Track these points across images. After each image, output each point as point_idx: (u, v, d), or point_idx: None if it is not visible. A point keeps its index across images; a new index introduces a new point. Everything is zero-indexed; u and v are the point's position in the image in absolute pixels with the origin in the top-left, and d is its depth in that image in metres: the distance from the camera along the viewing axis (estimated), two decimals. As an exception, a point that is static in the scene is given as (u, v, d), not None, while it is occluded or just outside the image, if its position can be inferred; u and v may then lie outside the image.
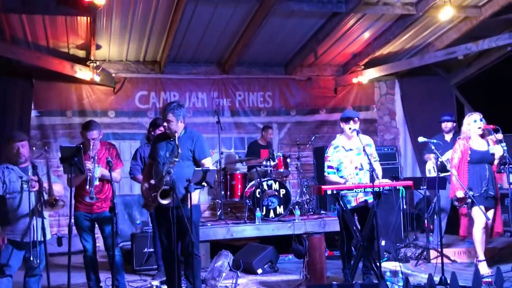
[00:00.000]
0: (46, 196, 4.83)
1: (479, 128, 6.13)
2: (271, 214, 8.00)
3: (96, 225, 5.50)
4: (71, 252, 4.96)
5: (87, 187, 5.19)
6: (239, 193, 8.51)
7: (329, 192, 5.29)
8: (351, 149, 5.69)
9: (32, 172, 4.90)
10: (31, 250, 4.83)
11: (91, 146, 5.35)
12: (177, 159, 4.94)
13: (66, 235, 8.58)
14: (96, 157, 5.29)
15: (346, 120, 5.71)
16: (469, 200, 6.04)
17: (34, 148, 5.13)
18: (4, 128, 8.87)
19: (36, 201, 4.85)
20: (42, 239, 4.81)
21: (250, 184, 8.40)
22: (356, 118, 5.71)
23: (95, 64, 9.20)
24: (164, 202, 4.80)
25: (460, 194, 6.05)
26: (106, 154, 5.41)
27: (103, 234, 5.43)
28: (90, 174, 5.16)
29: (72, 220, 4.93)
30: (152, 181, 5.14)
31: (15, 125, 8.90)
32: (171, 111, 5.10)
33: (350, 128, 5.64)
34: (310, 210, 8.66)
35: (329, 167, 5.76)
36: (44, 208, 4.81)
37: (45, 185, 4.90)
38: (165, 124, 5.11)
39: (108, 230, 5.34)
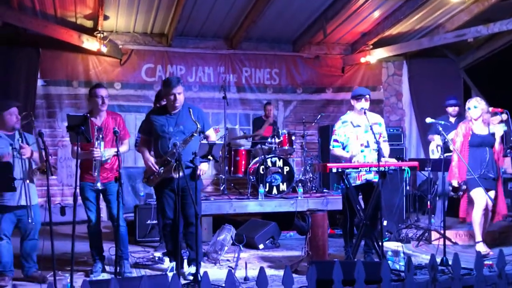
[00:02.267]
0: (34, 165, 5.04)
1: (476, 114, 6.17)
2: (274, 191, 8.03)
3: (101, 196, 5.51)
4: (71, 222, 5.00)
5: (93, 172, 5.18)
6: (242, 169, 8.52)
7: (334, 170, 5.28)
8: (359, 126, 5.66)
9: (21, 139, 5.04)
10: (25, 212, 4.99)
11: (99, 108, 5.30)
12: (195, 134, 5.02)
13: (69, 204, 8.72)
14: (102, 129, 5.26)
15: (358, 97, 5.67)
16: (464, 187, 6.10)
17: (20, 117, 5.14)
18: (9, 96, 8.84)
19: (28, 168, 5.01)
20: (31, 203, 4.99)
21: (254, 160, 8.42)
22: (368, 96, 5.67)
23: (102, 35, 9.14)
24: (177, 175, 4.81)
25: (455, 183, 6.12)
26: (112, 124, 5.38)
27: (109, 204, 5.42)
28: (98, 158, 5.15)
29: (77, 190, 4.94)
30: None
31: (21, 94, 8.90)
32: (180, 82, 5.11)
33: (361, 106, 5.61)
34: (313, 188, 8.68)
35: (335, 140, 5.74)
36: (35, 174, 4.99)
37: (35, 154, 5.09)
38: (176, 95, 5.07)
39: (113, 200, 5.30)
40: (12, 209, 5.01)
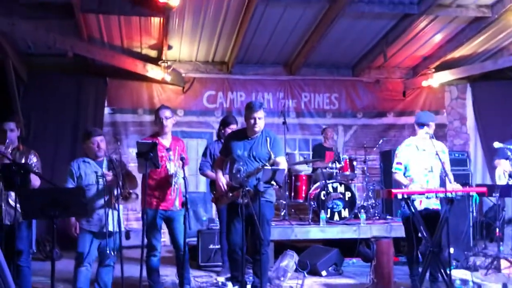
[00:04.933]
0: (120, 190, 4.98)
1: None
2: (336, 217, 7.94)
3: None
4: (138, 246, 5.09)
5: (172, 192, 5.31)
6: (303, 195, 8.47)
7: (399, 196, 5.20)
8: (424, 150, 5.58)
9: (107, 166, 5.09)
10: (106, 241, 4.96)
11: (164, 128, 5.43)
12: (267, 165, 4.99)
13: (133, 229, 8.92)
14: (171, 150, 5.39)
15: (421, 124, 5.59)
16: None
17: (108, 145, 5.27)
18: (79, 124, 9.28)
19: (110, 194, 5.01)
20: (117, 230, 4.98)
21: (315, 185, 8.37)
22: (431, 123, 5.58)
23: (166, 64, 9.45)
24: (241, 201, 4.86)
25: None
26: (178, 148, 5.51)
27: (174, 231, 5.45)
28: (175, 180, 5.26)
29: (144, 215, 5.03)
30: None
31: (89, 122, 9.28)
32: (262, 107, 5.15)
33: (425, 133, 5.52)
34: (376, 214, 8.53)
35: (398, 163, 5.66)
36: (118, 201, 4.98)
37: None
38: (256, 119, 5.08)
39: (178, 226, 5.36)
40: (98, 236, 5.05)
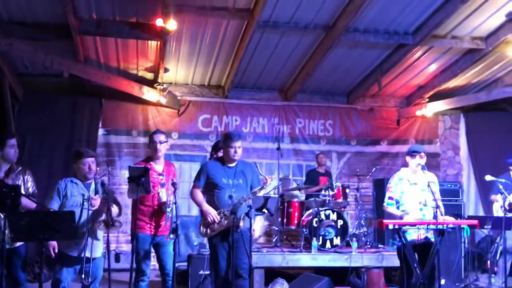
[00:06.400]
0: (104, 216, 4.85)
1: None
2: (328, 244, 7.92)
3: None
4: (127, 269, 5.04)
5: (165, 219, 5.30)
6: (295, 221, 8.46)
7: (390, 226, 5.19)
8: (415, 183, 5.58)
9: (96, 189, 5.01)
10: (83, 267, 4.79)
11: (158, 152, 5.40)
12: (257, 190, 5.14)
13: (124, 251, 8.86)
14: (164, 176, 5.38)
15: (413, 154, 5.61)
16: None
17: (99, 166, 5.21)
18: (73, 144, 9.23)
19: (94, 219, 4.88)
20: (98, 256, 4.93)
21: (308, 212, 8.36)
22: (423, 153, 5.61)
23: (162, 87, 9.47)
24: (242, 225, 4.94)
25: None
26: (170, 173, 5.50)
27: (162, 256, 5.40)
28: (169, 210, 5.24)
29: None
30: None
31: (83, 142, 9.24)
32: (241, 138, 5.33)
33: (416, 163, 5.54)
34: (368, 243, 8.50)
35: (390, 198, 5.67)
36: (99, 227, 4.85)
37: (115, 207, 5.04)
38: (236, 149, 5.21)
39: (168, 252, 5.32)
40: (75, 260, 4.90)
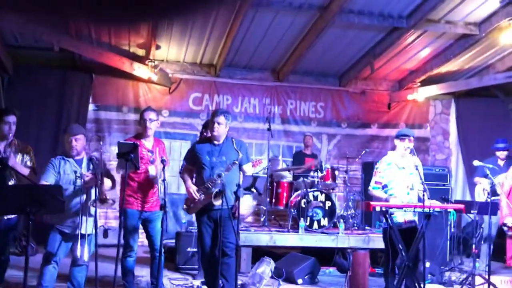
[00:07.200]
0: (97, 192, 4.84)
1: None
2: (315, 225, 7.97)
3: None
4: (115, 245, 5.07)
5: (153, 195, 5.34)
6: (284, 202, 8.50)
7: (377, 209, 5.23)
8: (403, 168, 5.61)
9: (87, 166, 4.99)
10: (79, 242, 4.81)
11: (147, 130, 5.40)
12: (235, 163, 5.06)
13: (112, 227, 8.86)
14: (153, 153, 5.38)
15: (402, 137, 5.63)
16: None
17: (90, 142, 5.19)
18: (62, 119, 9.18)
19: (87, 197, 4.88)
20: (92, 232, 4.89)
21: (296, 193, 8.40)
22: (412, 137, 5.63)
23: (153, 64, 9.40)
24: (217, 203, 4.88)
25: (509, 221, 5.96)
26: (159, 151, 5.50)
27: (151, 232, 5.43)
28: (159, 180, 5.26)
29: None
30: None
31: (72, 117, 9.19)
32: (223, 114, 5.23)
33: (405, 147, 5.56)
34: (355, 225, 8.57)
35: (377, 182, 5.69)
36: (96, 203, 4.85)
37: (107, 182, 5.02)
38: (215, 125, 5.17)
39: (156, 228, 5.34)
40: (69, 237, 4.93)
